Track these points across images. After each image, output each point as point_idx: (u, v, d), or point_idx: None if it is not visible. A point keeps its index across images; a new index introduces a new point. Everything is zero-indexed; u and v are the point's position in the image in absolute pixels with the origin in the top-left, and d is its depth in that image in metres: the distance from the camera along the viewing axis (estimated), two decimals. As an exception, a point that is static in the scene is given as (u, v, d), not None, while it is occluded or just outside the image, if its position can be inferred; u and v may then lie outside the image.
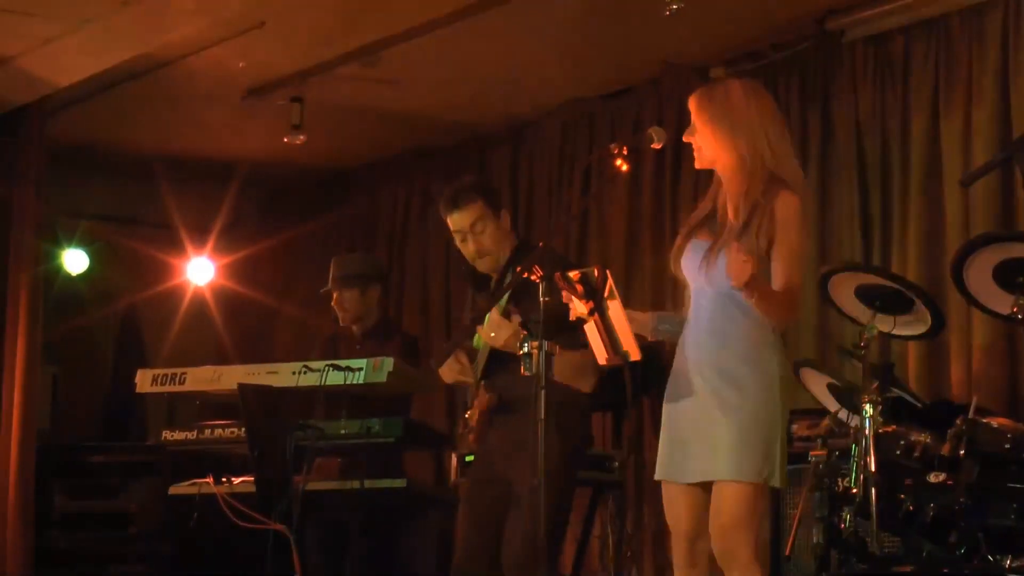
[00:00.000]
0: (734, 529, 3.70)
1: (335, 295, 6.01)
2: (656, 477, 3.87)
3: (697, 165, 3.85)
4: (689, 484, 3.80)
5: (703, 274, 3.77)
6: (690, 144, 3.85)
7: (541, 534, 3.49)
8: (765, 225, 3.69)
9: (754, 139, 3.75)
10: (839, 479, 4.66)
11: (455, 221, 4.78)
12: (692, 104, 3.84)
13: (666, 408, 3.87)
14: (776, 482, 3.73)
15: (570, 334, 3.77)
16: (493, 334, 4.50)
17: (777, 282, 3.69)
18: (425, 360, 5.63)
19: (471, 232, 4.74)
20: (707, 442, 3.75)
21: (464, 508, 4.80)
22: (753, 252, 3.60)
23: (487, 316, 4.47)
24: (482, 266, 4.80)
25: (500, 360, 4.57)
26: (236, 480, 5.39)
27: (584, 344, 3.98)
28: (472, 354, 4.75)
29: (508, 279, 4.62)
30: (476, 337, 4.67)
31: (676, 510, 3.86)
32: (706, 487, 3.77)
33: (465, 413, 4.81)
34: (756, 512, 3.72)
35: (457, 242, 4.83)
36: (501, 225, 4.75)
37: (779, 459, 3.72)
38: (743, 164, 3.75)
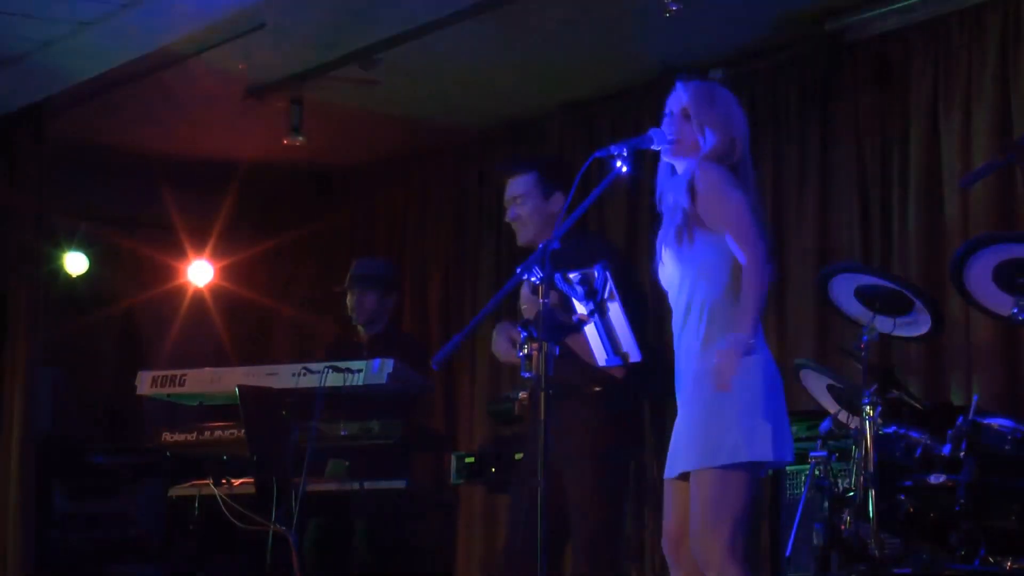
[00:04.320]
0: (703, 523, 3.62)
1: (351, 295, 5.99)
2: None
3: (674, 154, 3.87)
4: (675, 480, 3.78)
5: (682, 249, 3.78)
6: None
7: (544, 529, 3.50)
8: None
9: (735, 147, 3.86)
10: (839, 480, 4.66)
11: (507, 188, 4.89)
12: (690, 96, 3.86)
13: None
14: (755, 455, 3.62)
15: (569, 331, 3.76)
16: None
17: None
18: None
19: (513, 202, 4.85)
20: (682, 433, 3.77)
21: (513, 493, 4.86)
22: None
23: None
24: (519, 236, 4.87)
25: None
26: (236, 482, 5.39)
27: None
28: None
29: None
30: None
31: (666, 507, 3.84)
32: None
33: (519, 394, 4.85)
34: (727, 501, 3.61)
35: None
36: (545, 207, 4.79)
37: (759, 433, 3.63)
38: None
